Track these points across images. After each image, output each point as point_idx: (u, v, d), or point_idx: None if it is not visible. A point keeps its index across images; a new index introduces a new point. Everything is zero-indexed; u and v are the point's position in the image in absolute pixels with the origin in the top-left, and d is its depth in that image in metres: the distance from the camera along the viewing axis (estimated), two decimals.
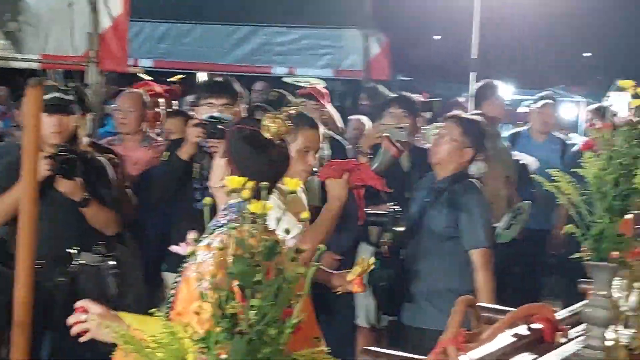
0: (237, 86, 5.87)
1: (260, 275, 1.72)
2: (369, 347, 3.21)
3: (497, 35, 13.28)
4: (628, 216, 2.81)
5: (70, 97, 5.27)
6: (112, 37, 7.14)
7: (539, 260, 8.47)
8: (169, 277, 5.57)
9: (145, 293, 5.67)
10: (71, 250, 5.15)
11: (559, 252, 8.66)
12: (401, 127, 6.55)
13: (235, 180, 1.70)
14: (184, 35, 11.55)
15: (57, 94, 5.20)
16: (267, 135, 3.18)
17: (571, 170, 2.81)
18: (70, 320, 3.05)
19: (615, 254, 2.73)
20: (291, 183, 1.72)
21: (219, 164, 3.33)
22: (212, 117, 5.30)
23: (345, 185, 4.50)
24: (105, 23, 7.13)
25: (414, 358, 2.92)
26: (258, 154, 3.23)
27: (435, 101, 7.59)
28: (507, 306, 3.51)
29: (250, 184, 1.72)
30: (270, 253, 1.73)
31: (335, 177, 4.51)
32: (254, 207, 1.70)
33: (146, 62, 11.40)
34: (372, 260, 4.22)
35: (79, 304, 3.03)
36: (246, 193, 1.69)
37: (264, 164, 3.22)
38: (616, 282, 2.87)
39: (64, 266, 5.11)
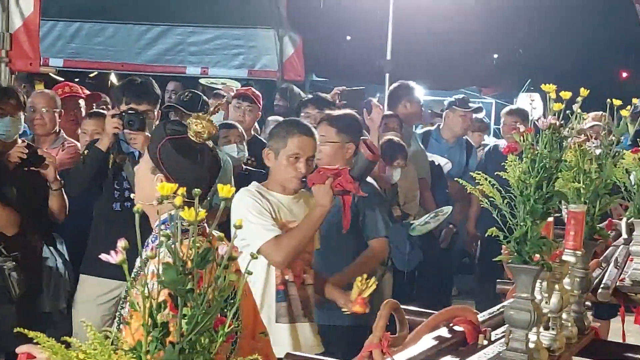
0: (157, 89, 5.83)
1: (192, 283, 1.69)
2: (293, 352, 3.21)
3: (410, 36, 13.37)
4: (549, 219, 2.85)
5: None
6: (23, 37, 7.00)
7: (453, 259, 8.55)
8: (85, 279, 5.53)
9: (65, 292, 5.62)
10: None
11: (472, 252, 8.77)
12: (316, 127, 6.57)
13: (166, 187, 1.67)
14: (95, 34, 11.38)
15: None
16: (198, 140, 3.07)
17: (496, 173, 2.83)
18: None
19: (537, 256, 2.76)
20: (224, 190, 1.69)
21: (148, 178, 3.14)
22: (130, 108, 5.30)
23: (329, 191, 4.46)
24: (17, 23, 6.99)
25: None
26: (194, 163, 3.11)
27: (353, 90, 7.52)
28: (424, 307, 3.54)
29: (181, 190, 1.69)
30: (202, 260, 1.71)
31: (320, 183, 4.48)
32: (187, 214, 1.67)
33: (57, 62, 11.22)
34: (374, 280, 4.24)
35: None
36: (178, 200, 1.66)
37: (201, 172, 3.11)
38: (538, 285, 2.90)
39: None
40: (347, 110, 5.86)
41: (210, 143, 3.13)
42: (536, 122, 2.78)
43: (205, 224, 2.80)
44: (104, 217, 5.48)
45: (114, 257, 1.67)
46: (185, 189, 1.66)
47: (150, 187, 3.04)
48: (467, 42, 18.58)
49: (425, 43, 15.79)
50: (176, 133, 3.14)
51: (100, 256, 1.66)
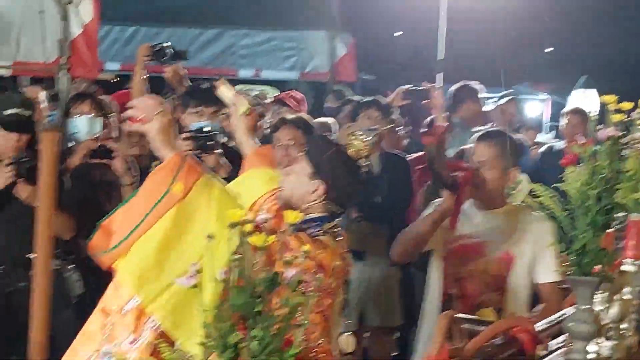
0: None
1: (261, 306, 1.72)
2: None
3: (462, 34, 13.29)
4: (609, 230, 2.83)
5: (28, 113, 5.28)
6: (82, 43, 7.08)
7: None
8: None
9: None
10: (30, 255, 5.14)
11: None
12: (375, 129, 6.55)
13: (237, 214, 1.70)
14: (150, 38, 11.37)
15: (15, 110, 5.20)
16: (357, 156, 3.45)
17: (553, 185, 2.82)
18: None
19: (597, 267, 2.75)
20: (291, 216, 1.72)
21: (305, 182, 3.46)
22: (201, 128, 5.28)
23: None
24: (76, 30, 7.07)
25: None
26: (354, 177, 3.47)
27: (418, 89, 7.44)
28: None
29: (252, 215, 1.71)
30: (271, 284, 1.73)
31: None
32: (256, 239, 1.70)
33: (113, 65, 11.34)
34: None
35: None
36: (248, 227, 1.68)
37: (357, 185, 3.49)
38: (597, 295, 2.89)
39: (25, 271, 5.07)
40: (497, 128, 5.78)
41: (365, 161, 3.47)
42: (596, 134, 2.76)
43: None
44: None
45: (189, 281, 1.70)
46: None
47: (305, 190, 3.42)
48: (518, 36, 18.40)
49: (477, 39, 15.69)
50: (338, 146, 3.52)
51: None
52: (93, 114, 5.57)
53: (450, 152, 6.69)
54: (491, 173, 4.75)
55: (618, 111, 2.82)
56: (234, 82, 10.29)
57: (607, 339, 3.04)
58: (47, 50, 6.99)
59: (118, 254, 3.18)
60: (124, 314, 3.18)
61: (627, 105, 2.87)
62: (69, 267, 5.27)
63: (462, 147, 6.66)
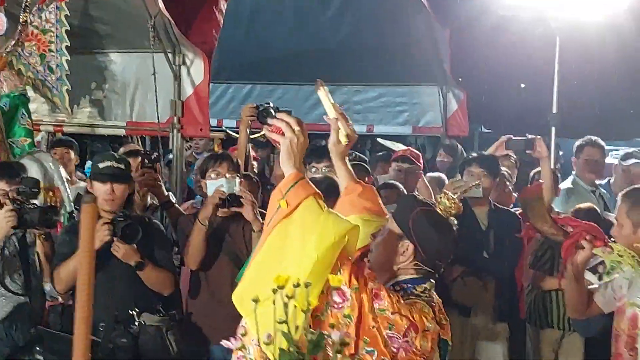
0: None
1: None
2: None
3: (578, 87, 13.11)
4: None
5: (122, 166, 5.39)
6: (194, 103, 7.28)
7: None
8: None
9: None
10: (132, 312, 5.23)
11: None
12: (478, 184, 6.51)
13: (282, 279, 1.73)
14: (266, 95, 11.59)
15: (110, 163, 5.33)
16: (446, 214, 3.43)
17: None
18: None
19: None
20: (334, 280, 1.74)
21: (394, 244, 3.40)
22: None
23: None
24: (188, 91, 7.27)
25: None
26: (443, 235, 3.38)
27: (522, 140, 7.36)
28: None
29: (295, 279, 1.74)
30: (315, 346, 1.75)
31: None
32: (300, 302, 1.72)
33: (230, 123, 11.54)
34: None
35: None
36: (290, 290, 1.71)
37: (447, 244, 3.40)
38: None
39: (126, 328, 5.17)
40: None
41: (454, 220, 3.43)
42: None
43: None
44: None
45: (233, 344, 1.73)
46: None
47: (394, 251, 3.36)
48: (636, 89, 17.95)
49: (593, 93, 15.44)
50: (426, 205, 3.45)
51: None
52: (230, 175, 5.66)
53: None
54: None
55: None
56: None
57: None
58: (159, 111, 7.19)
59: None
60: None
61: None
62: (168, 324, 5.32)
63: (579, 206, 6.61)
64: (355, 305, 2.98)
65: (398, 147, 8.37)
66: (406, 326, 3.15)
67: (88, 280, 1.69)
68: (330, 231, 3.05)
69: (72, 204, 6.47)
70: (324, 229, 3.05)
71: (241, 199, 5.48)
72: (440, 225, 3.41)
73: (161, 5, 7.01)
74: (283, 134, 3.26)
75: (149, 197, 6.26)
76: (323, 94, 3.95)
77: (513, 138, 7.17)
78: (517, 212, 6.88)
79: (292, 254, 2.97)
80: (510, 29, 11.88)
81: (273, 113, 5.73)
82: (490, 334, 6.65)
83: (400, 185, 6.74)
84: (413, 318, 3.18)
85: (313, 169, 5.76)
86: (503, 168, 7.29)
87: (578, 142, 7.64)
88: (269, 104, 6.06)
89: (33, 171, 6.40)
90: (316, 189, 3.22)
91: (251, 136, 6.74)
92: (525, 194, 5.97)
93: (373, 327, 3.06)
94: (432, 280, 3.43)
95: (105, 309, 5.05)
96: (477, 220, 6.62)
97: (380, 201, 4.03)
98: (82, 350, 1.79)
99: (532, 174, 7.39)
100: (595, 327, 6.29)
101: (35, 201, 5.39)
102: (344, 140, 3.87)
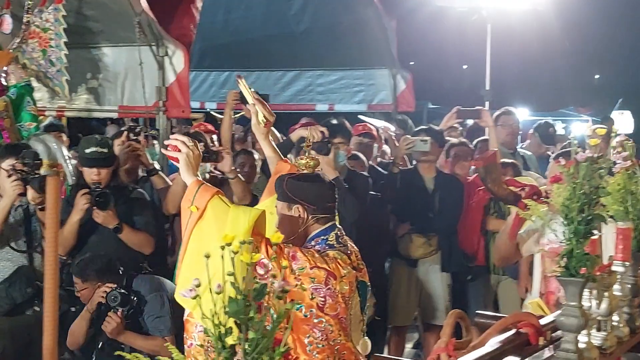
0: (349, 127, 6.00)
1: (253, 312, 1.74)
2: (379, 355, 3.22)
3: (509, 63, 13.15)
4: (594, 237, 2.79)
5: (106, 150, 5.37)
6: (176, 89, 7.24)
7: None
8: None
9: None
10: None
11: None
12: (425, 140, 6.55)
13: (228, 237, 1.73)
14: None
15: (95, 149, 5.33)
16: (308, 170, 3.53)
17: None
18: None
19: (583, 269, 2.71)
20: (254, 257, 1.74)
21: (293, 210, 3.46)
22: None
23: None
24: (171, 78, 7.24)
25: None
26: (314, 182, 3.48)
27: (469, 110, 7.29)
28: None
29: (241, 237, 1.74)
30: (259, 294, 1.75)
31: None
32: (245, 257, 1.73)
33: (211, 105, 11.54)
34: None
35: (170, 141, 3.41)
36: (236, 247, 1.72)
37: (323, 186, 3.49)
38: (586, 293, 2.85)
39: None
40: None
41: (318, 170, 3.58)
42: (576, 156, 2.73)
43: None
44: None
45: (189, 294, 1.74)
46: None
47: (291, 220, 3.43)
48: (569, 64, 18.05)
49: (520, 71, 15.50)
50: (289, 173, 3.58)
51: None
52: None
53: None
54: None
55: (594, 136, 2.78)
56: (312, 115, 10.42)
57: (599, 330, 3.00)
58: (147, 96, 7.16)
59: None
60: (185, 322, 3.27)
61: (601, 131, 2.85)
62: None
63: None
64: (278, 272, 3.02)
65: (383, 124, 8.37)
66: (325, 276, 3.21)
67: (54, 237, 1.68)
68: (241, 220, 3.09)
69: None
70: (234, 219, 3.10)
71: (220, 153, 5.50)
72: (308, 177, 3.49)
73: (144, 4, 6.98)
74: (179, 151, 3.34)
75: (140, 169, 6.23)
76: (242, 85, 4.06)
77: (462, 109, 7.18)
78: (457, 177, 6.92)
79: (212, 248, 3.01)
80: (448, 18, 11.92)
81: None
82: (433, 283, 6.69)
83: (362, 156, 6.74)
84: (329, 267, 3.23)
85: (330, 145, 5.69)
86: (451, 138, 7.31)
87: (496, 113, 7.63)
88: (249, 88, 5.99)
89: (39, 150, 6.36)
90: (218, 189, 3.27)
91: (234, 116, 6.72)
92: (483, 162, 5.96)
93: (296, 285, 3.14)
94: (336, 225, 3.49)
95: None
96: (424, 184, 6.65)
97: None
98: (52, 300, 1.78)
99: (475, 142, 7.42)
100: None
101: (39, 172, 5.36)
102: (262, 121, 4.00)
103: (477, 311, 3.57)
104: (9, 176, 5.24)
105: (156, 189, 6.02)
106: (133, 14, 7.01)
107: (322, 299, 3.20)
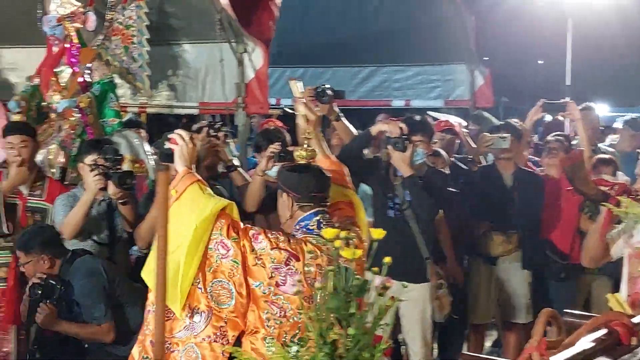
0: (431, 125, 6.01)
1: (354, 308, 1.74)
2: (467, 352, 3.19)
3: (588, 62, 12.89)
4: None
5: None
6: (255, 86, 7.28)
7: None
8: None
9: None
10: None
11: None
12: (504, 137, 6.48)
13: (330, 232, 1.74)
14: (317, 76, 11.61)
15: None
16: (299, 159, 3.86)
17: None
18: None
19: None
20: (375, 232, 1.74)
21: (282, 198, 3.82)
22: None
23: None
24: (250, 75, 7.27)
25: None
26: (303, 173, 3.76)
27: (554, 103, 7.13)
28: None
29: (343, 233, 1.75)
30: (361, 290, 1.75)
31: None
32: (346, 253, 1.73)
33: (287, 101, 11.57)
34: None
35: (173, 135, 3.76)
36: (337, 243, 1.72)
37: (309, 177, 3.75)
38: None
39: None
40: None
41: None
42: None
43: None
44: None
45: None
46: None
47: (282, 207, 3.82)
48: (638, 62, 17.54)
49: (601, 67, 15.20)
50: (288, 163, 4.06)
51: None
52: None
53: None
54: None
55: None
56: (389, 111, 10.39)
57: None
58: (226, 92, 7.22)
59: None
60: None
61: None
62: None
63: None
64: (238, 252, 3.46)
65: (456, 121, 8.30)
66: (285, 257, 3.50)
67: (164, 233, 1.70)
68: (207, 207, 3.52)
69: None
70: (203, 205, 3.53)
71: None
72: (298, 168, 3.79)
73: (225, 2, 7.03)
74: (177, 144, 3.69)
75: (219, 165, 6.27)
76: (293, 86, 4.24)
77: (547, 102, 7.03)
78: (536, 173, 6.83)
79: (182, 224, 3.45)
80: (527, 13, 11.77)
81: (329, 93, 5.70)
82: (514, 281, 6.61)
83: (444, 153, 6.68)
84: (291, 249, 3.52)
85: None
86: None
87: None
88: (324, 85, 6.03)
89: (121, 146, 6.47)
90: (200, 178, 3.69)
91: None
92: (569, 161, 5.84)
93: (256, 264, 3.48)
94: (322, 212, 3.73)
95: None
96: (503, 181, 6.58)
97: (346, 175, 4.34)
98: (162, 289, 1.77)
99: (549, 138, 7.30)
100: None
101: (120, 167, 5.46)
102: (302, 122, 4.23)
103: (565, 310, 3.52)
104: (91, 171, 5.37)
105: (235, 185, 6.06)
106: (214, 11, 7.07)
107: (283, 278, 3.49)
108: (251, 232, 3.54)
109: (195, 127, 6.53)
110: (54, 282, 5.00)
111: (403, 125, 5.46)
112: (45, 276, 5.03)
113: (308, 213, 3.71)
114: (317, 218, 3.69)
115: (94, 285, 5.03)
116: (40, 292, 4.96)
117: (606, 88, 16.07)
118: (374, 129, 5.65)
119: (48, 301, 4.97)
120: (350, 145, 5.67)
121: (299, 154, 3.86)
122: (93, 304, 5.05)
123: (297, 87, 4.22)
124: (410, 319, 5.67)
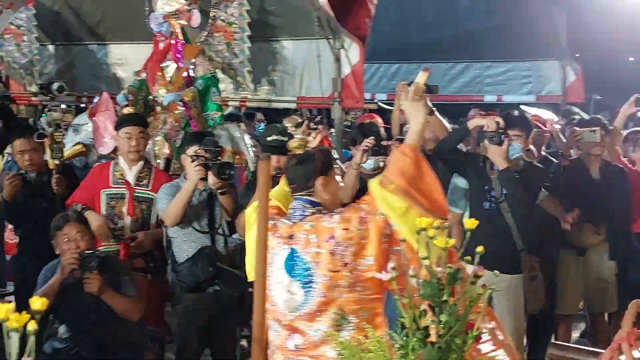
0: (530, 120, 5.99)
1: (447, 295, 1.74)
2: (557, 342, 3.14)
3: None
4: None
5: (286, 139, 5.44)
6: (351, 81, 7.26)
7: None
8: None
9: None
10: None
11: None
12: (593, 130, 6.41)
13: (425, 221, 1.73)
14: (411, 72, 11.51)
15: (275, 137, 5.42)
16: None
17: None
18: None
19: None
20: (423, 222, 1.73)
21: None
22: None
23: None
24: (346, 70, 7.26)
25: (595, 352, 2.84)
26: (297, 163, 3.71)
27: None
28: None
29: (437, 223, 1.74)
30: (453, 278, 1.74)
31: None
32: (439, 241, 1.72)
33: (381, 96, 11.57)
34: None
35: None
36: (432, 231, 1.71)
37: (298, 168, 3.69)
38: None
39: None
40: None
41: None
42: None
43: None
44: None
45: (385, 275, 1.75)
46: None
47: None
48: None
49: None
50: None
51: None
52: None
53: None
54: None
55: None
56: (481, 106, 10.28)
57: None
58: (323, 87, 7.24)
59: None
60: None
61: None
62: None
63: None
64: None
65: (548, 116, 8.13)
66: None
67: (264, 223, 1.72)
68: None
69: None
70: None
71: (390, 147, 5.52)
72: (294, 159, 3.76)
73: (323, 0, 7.05)
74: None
75: None
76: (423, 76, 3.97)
77: None
78: (622, 167, 6.70)
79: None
80: (619, 11, 11.48)
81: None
82: (601, 272, 6.52)
83: (533, 147, 6.59)
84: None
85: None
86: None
87: None
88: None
89: (223, 139, 6.56)
90: None
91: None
92: None
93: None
94: (302, 199, 3.65)
95: None
96: (590, 174, 6.50)
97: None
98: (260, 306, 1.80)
99: (625, 133, 7.18)
100: None
101: (220, 158, 5.54)
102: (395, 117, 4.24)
103: None
104: (192, 162, 5.47)
105: None
106: (312, 8, 7.09)
107: None
108: None
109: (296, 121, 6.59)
110: (97, 255, 5.16)
111: (500, 120, 5.45)
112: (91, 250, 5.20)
113: (299, 204, 3.75)
114: (295, 205, 3.74)
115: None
116: (91, 263, 5.08)
117: None
118: (471, 123, 5.62)
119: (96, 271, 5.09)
120: (446, 139, 5.66)
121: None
122: (130, 280, 5.26)
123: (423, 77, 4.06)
124: (502, 309, 5.62)
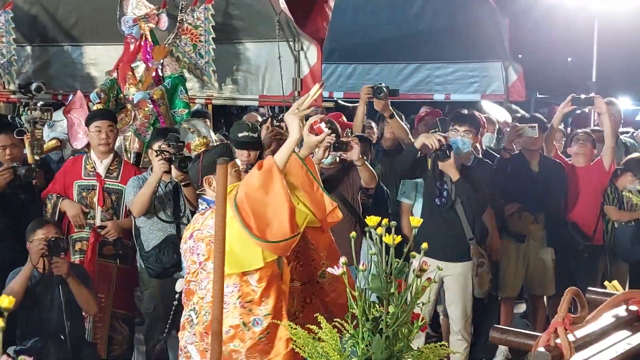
0: (480, 118, 6.01)
1: (394, 288, 1.71)
2: (498, 326, 3.14)
3: (612, 60, 12.64)
4: None
5: (256, 135, 5.43)
6: (310, 80, 7.26)
7: None
8: None
9: None
10: None
11: None
12: (533, 126, 6.47)
13: (374, 221, 1.70)
14: (366, 72, 11.58)
15: (247, 133, 5.40)
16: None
17: None
18: None
19: None
20: (414, 220, 1.70)
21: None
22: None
23: None
24: (305, 70, 7.26)
25: (533, 335, 2.83)
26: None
27: (582, 98, 6.94)
28: None
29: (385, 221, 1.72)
30: (400, 272, 1.72)
31: None
32: (387, 239, 1.70)
33: (338, 94, 11.56)
34: None
35: None
36: (380, 230, 1.68)
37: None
38: None
39: None
40: None
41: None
42: None
43: None
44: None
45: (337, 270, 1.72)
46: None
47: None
48: None
49: (624, 65, 14.89)
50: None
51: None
52: None
53: None
54: None
55: None
56: (430, 104, 10.31)
57: None
58: (283, 86, 7.21)
59: None
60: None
61: None
62: None
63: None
64: None
65: (504, 118, 8.13)
66: None
67: (222, 225, 1.68)
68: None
69: None
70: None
71: (350, 143, 5.47)
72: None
73: (283, 5, 7.02)
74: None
75: None
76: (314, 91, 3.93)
77: (577, 96, 6.91)
78: (559, 161, 6.76)
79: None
80: (558, 15, 11.56)
81: (385, 91, 5.78)
82: (540, 258, 6.58)
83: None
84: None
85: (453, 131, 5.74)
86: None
87: None
88: (381, 84, 6.08)
89: (189, 134, 6.49)
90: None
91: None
92: None
93: None
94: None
95: None
96: (530, 167, 6.55)
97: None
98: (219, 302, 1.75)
99: (576, 130, 7.21)
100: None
101: (182, 153, 5.49)
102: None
103: (588, 287, 3.45)
104: (156, 156, 5.43)
105: None
106: (273, 13, 7.07)
107: None
108: None
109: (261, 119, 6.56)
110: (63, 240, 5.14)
111: (441, 138, 5.46)
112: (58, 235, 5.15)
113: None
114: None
115: None
116: (60, 247, 5.04)
117: (629, 84, 15.75)
118: (417, 143, 5.64)
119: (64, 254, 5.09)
120: (402, 161, 5.81)
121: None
122: (90, 285, 5.24)
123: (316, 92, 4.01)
124: (453, 293, 5.72)
